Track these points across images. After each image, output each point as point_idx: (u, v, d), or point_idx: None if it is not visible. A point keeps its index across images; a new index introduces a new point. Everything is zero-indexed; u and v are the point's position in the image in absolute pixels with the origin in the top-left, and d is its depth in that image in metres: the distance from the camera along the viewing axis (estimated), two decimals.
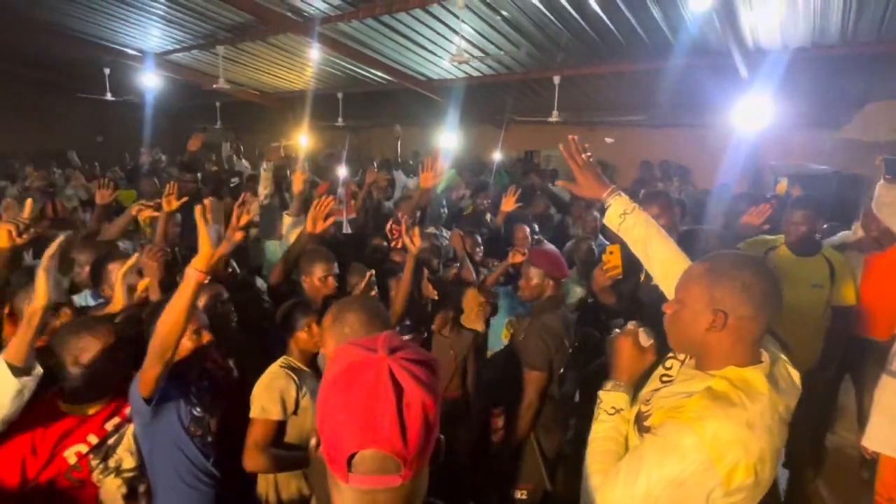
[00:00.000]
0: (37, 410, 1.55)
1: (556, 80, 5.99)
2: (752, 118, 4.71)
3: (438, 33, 5.51)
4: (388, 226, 3.65)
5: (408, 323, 2.50)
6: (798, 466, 2.95)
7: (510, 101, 7.69)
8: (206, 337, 1.74)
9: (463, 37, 5.16)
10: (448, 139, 7.57)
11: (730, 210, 3.90)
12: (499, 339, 3.26)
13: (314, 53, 6.53)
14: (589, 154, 1.61)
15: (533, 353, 2.24)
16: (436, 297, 2.71)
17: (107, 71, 7.90)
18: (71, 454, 1.55)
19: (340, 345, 0.75)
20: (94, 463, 1.58)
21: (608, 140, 7.96)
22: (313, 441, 0.73)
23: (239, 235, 1.57)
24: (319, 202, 2.60)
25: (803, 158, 5.96)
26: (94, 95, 8.34)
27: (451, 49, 5.45)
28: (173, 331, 1.45)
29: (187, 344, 1.69)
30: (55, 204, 4.91)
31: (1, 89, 9.40)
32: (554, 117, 6.15)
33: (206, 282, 1.47)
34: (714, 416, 1.04)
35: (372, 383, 0.67)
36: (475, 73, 6.76)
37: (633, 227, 1.53)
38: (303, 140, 8.92)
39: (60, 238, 1.52)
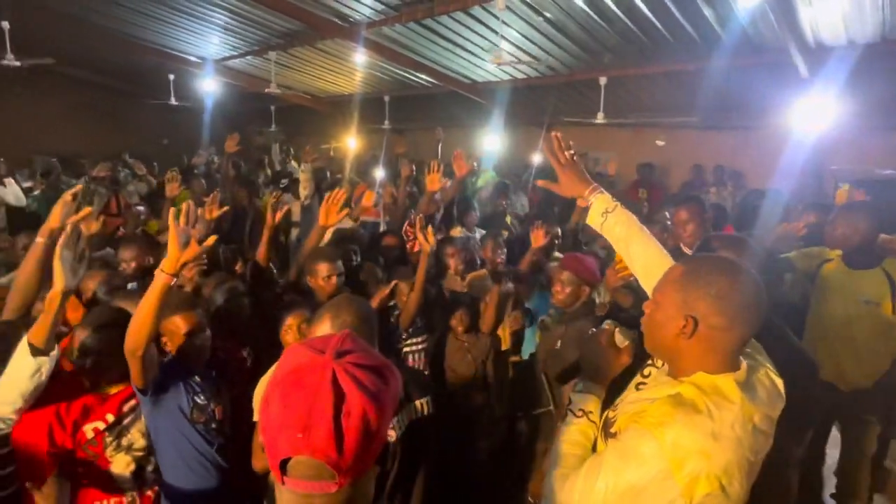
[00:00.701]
0: (65, 384, 1.67)
1: (603, 81, 5.84)
2: (814, 120, 4.42)
3: (481, 36, 5.50)
4: (404, 228, 3.65)
5: (419, 325, 2.51)
6: (849, 496, 2.74)
7: (555, 103, 7.57)
8: (197, 336, 1.80)
9: (505, 38, 5.13)
10: (491, 141, 7.55)
11: (783, 218, 3.67)
12: (532, 340, 3.20)
13: (360, 58, 6.68)
14: (573, 152, 1.56)
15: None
16: (464, 290, 2.69)
17: (171, 77, 8.41)
18: (89, 429, 1.67)
19: (292, 344, 0.75)
20: (108, 440, 1.69)
21: (659, 142, 7.69)
22: (260, 438, 0.73)
23: (211, 240, 1.57)
24: (331, 195, 2.60)
25: (874, 163, 5.53)
26: (160, 100, 8.89)
27: (496, 52, 5.43)
28: (141, 329, 1.50)
29: (180, 343, 1.77)
30: (119, 199, 5.28)
31: (76, 95, 10.15)
32: (599, 119, 6.00)
33: (173, 283, 1.51)
34: (675, 423, 0.99)
35: (313, 387, 0.65)
36: (519, 76, 6.70)
37: (614, 225, 1.47)
38: (351, 143, 9.15)
39: (69, 228, 1.59)
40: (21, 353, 1.50)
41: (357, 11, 5.40)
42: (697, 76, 5.26)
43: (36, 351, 1.49)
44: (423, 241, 2.42)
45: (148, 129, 11.15)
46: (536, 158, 7.77)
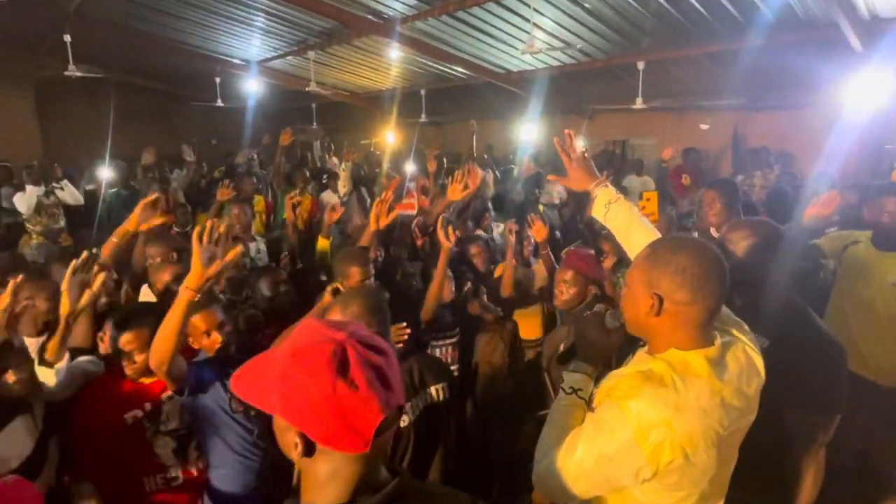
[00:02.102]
0: (106, 377, 1.82)
1: (641, 65, 5.69)
2: (869, 96, 4.18)
3: (514, 25, 5.48)
4: (412, 226, 3.65)
5: (449, 320, 2.55)
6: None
7: (593, 90, 7.43)
8: (217, 339, 1.86)
9: (537, 26, 5.08)
10: (528, 131, 7.50)
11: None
12: None
13: (396, 53, 6.76)
14: (584, 149, 1.67)
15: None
16: (485, 316, 2.66)
17: (217, 80, 8.76)
18: (129, 417, 1.80)
19: (297, 348, 0.76)
20: (147, 425, 1.82)
21: (703, 126, 7.43)
22: (298, 450, 0.74)
23: (231, 254, 1.56)
24: (379, 199, 2.73)
25: None
26: (207, 103, 9.29)
27: (528, 40, 5.38)
28: (166, 345, 1.54)
29: (203, 342, 1.87)
30: (168, 197, 5.58)
31: (129, 99, 10.73)
32: (638, 104, 5.86)
33: (197, 300, 1.53)
34: (640, 396, 1.05)
35: (358, 359, 0.74)
36: (555, 63, 6.62)
37: (616, 215, 1.56)
38: (389, 137, 9.28)
39: (82, 257, 1.76)
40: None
41: (391, 7, 5.48)
42: (740, 55, 5.04)
43: (42, 361, 1.66)
44: (444, 240, 2.38)
45: (197, 130, 11.63)
46: (578, 145, 7.65)
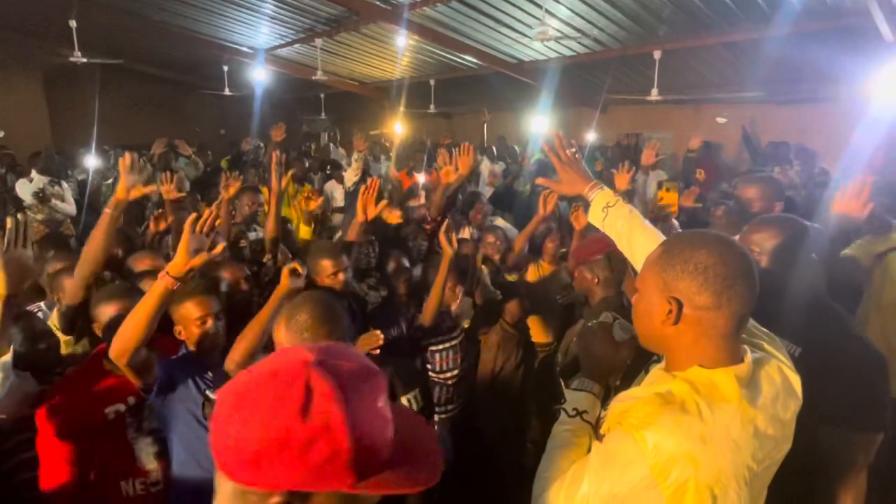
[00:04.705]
0: (84, 367, 1.71)
1: (657, 55, 5.48)
2: None
3: (526, 12, 5.30)
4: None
5: (450, 324, 2.42)
6: None
7: (606, 80, 7.22)
8: (210, 324, 1.74)
9: (550, 12, 4.90)
10: (539, 123, 7.33)
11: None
12: None
13: (404, 41, 6.60)
14: (574, 150, 1.53)
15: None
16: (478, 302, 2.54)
17: (225, 68, 8.66)
18: (111, 411, 1.68)
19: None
20: (129, 421, 1.71)
21: (720, 120, 7.20)
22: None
23: (219, 249, 1.49)
24: (365, 188, 2.53)
25: None
26: (216, 91, 9.20)
27: (541, 29, 5.20)
28: (133, 334, 1.42)
29: (194, 331, 1.74)
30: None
31: (140, 88, 10.69)
32: (653, 96, 5.64)
33: (176, 289, 1.43)
34: (659, 425, 0.88)
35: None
36: (568, 53, 6.42)
37: (615, 220, 1.41)
38: (397, 128, 9.15)
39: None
40: None
41: None
42: (762, 46, 4.83)
43: None
44: (446, 246, 2.23)
45: (206, 119, 11.60)
46: (589, 139, 7.52)
